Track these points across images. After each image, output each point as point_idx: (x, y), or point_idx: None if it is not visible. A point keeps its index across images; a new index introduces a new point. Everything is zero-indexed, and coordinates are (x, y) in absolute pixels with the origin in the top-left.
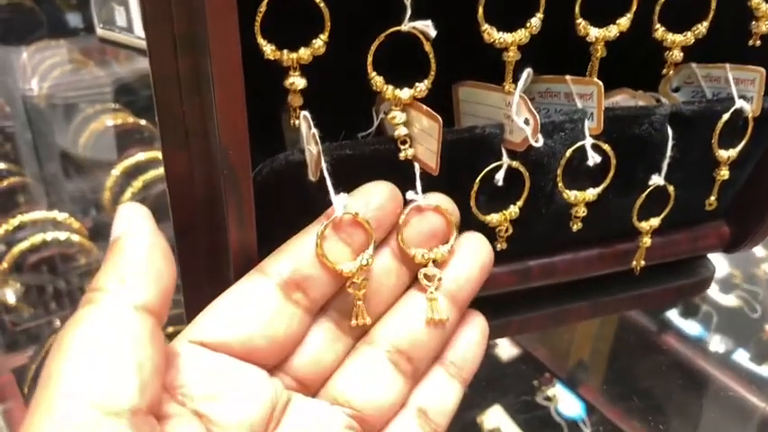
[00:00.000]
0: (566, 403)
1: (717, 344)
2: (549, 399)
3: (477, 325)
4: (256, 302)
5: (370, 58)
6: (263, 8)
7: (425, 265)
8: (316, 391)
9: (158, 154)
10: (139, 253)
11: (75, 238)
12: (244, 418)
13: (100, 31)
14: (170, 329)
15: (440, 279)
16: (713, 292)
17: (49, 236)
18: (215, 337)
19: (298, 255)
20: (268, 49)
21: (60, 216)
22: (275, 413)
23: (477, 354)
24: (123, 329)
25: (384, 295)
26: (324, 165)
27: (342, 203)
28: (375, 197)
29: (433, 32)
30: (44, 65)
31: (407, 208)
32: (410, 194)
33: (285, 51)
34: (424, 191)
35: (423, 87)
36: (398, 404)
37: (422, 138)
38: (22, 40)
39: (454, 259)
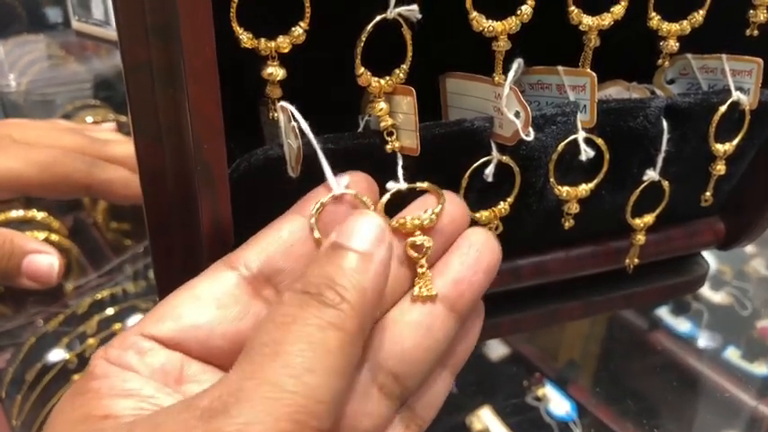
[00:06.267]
0: (556, 403)
1: (707, 341)
2: (538, 399)
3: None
4: (219, 297)
5: (358, 50)
6: None
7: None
8: None
9: None
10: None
11: (55, 237)
12: None
13: (76, 24)
14: None
15: (428, 248)
16: (703, 288)
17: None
18: (169, 332)
19: (269, 245)
20: (244, 38)
21: (39, 215)
22: None
23: (469, 343)
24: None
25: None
26: (317, 147)
27: (343, 183)
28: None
29: (418, 15)
30: (23, 60)
31: (386, 194)
32: (390, 184)
33: (263, 40)
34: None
35: (400, 73)
36: (381, 428)
37: (404, 123)
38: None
39: (453, 258)
